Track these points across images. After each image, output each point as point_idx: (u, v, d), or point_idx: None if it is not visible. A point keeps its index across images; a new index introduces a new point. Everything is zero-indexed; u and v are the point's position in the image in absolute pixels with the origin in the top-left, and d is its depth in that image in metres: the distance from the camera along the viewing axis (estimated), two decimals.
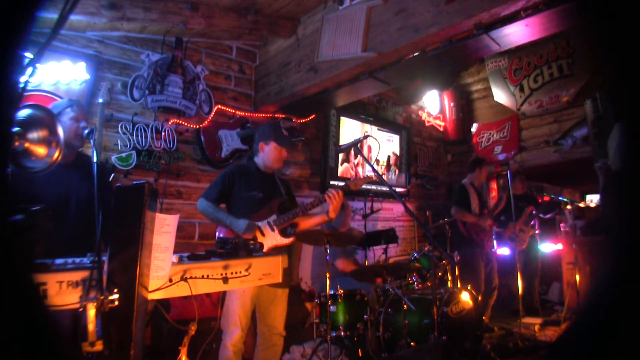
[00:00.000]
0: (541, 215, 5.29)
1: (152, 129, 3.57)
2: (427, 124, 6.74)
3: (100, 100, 3.28)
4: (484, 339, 3.26)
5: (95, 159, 1.58)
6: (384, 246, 4.40)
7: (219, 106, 4.07)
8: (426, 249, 3.79)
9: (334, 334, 2.79)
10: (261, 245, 2.35)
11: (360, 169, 5.45)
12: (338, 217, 3.71)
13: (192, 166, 3.89)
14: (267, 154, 2.69)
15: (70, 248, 1.91)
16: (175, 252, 1.62)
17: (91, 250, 1.41)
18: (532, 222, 5.02)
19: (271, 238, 2.52)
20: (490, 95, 6.42)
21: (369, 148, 5.69)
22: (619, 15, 0.60)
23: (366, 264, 4.43)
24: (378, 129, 5.76)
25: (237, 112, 4.22)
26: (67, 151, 2.19)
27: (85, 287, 1.33)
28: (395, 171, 6.01)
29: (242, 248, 1.89)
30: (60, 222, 2.06)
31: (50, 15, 1.50)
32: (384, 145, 5.85)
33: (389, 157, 5.93)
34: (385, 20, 3.16)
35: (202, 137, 3.89)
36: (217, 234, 2.61)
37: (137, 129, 3.50)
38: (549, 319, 4.53)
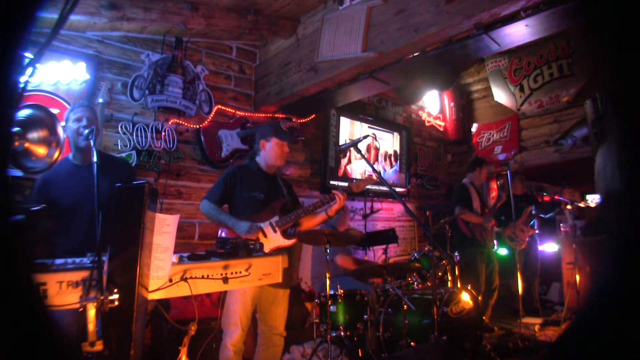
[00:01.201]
0: (541, 215, 5.29)
1: (152, 129, 3.57)
2: (427, 124, 6.74)
3: (100, 100, 3.28)
4: (484, 339, 3.25)
5: (95, 159, 1.58)
6: (384, 246, 4.40)
7: (219, 106, 4.07)
8: (426, 249, 3.79)
9: (334, 334, 2.79)
10: (261, 245, 2.35)
11: (350, 168, 5.43)
12: (337, 216, 3.72)
13: (192, 166, 3.89)
14: (269, 151, 2.68)
15: (86, 246, 1.92)
16: (175, 252, 1.62)
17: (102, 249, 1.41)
18: (531, 222, 5.02)
19: (273, 239, 2.51)
20: (490, 95, 6.42)
21: (375, 151, 5.69)
22: (619, 15, 0.60)
23: (365, 258, 4.44)
24: (369, 127, 5.72)
25: (237, 112, 4.22)
26: (80, 153, 2.23)
27: (85, 287, 1.33)
28: (386, 169, 5.96)
29: (242, 248, 1.89)
30: (78, 221, 2.12)
31: (50, 15, 1.50)
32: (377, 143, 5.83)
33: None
34: (385, 20, 3.16)
35: (202, 137, 3.89)
36: (219, 234, 2.61)
37: (137, 129, 3.50)
38: (549, 319, 4.53)
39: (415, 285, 3.54)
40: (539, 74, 5.72)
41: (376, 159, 5.73)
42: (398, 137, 6.11)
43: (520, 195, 5.00)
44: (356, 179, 2.71)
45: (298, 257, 4.36)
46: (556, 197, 4.87)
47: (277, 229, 2.53)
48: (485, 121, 6.58)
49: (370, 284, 3.61)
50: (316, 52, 3.65)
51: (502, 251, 4.83)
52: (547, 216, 5.42)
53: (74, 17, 3.05)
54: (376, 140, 5.71)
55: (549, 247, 5.65)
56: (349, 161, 5.37)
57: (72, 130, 2.21)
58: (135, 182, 1.48)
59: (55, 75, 3.14)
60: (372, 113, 5.80)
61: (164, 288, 1.53)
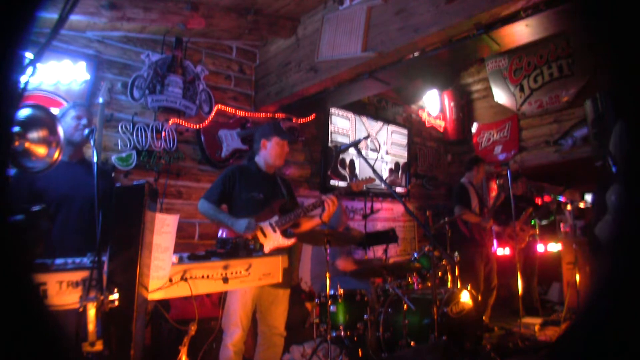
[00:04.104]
0: (537, 220, 5.30)
1: (152, 129, 3.57)
2: (427, 124, 6.74)
3: (100, 100, 3.28)
4: (484, 339, 3.26)
5: (95, 159, 1.58)
6: (384, 246, 4.40)
7: (219, 106, 4.07)
8: (426, 249, 3.79)
9: (334, 334, 2.79)
10: (261, 245, 2.35)
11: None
12: (334, 216, 3.72)
13: (192, 166, 3.89)
14: (269, 150, 2.68)
15: (73, 244, 1.92)
16: (175, 252, 1.62)
17: (91, 249, 1.41)
18: (532, 222, 5.02)
19: (273, 239, 2.51)
20: (490, 95, 6.41)
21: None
22: (619, 15, 0.60)
23: (365, 258, 4.44)
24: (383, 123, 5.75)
25: (237, 112, 4.22)
26: (71, 148, 2.22)
27: (85, 287, 1.33)
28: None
29: (242, 248, 1.89)
30: (66, 215, 2.12)
31: (50, 15, 1.50)
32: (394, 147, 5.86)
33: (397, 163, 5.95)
34: (385, 20, 3.16)
35: (202, 137, 3.89)
36: (219, 234, 2.61)
37: (137, 129, 3.50)
38: (549, 319, 4.53)
39: (415, 285, 3.54)
40: (539, 74, 5.72)
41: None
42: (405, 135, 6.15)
43: (520, 196, 5.00)
44: (356, 179, 2.70)
45: (298, 257, 4.36)
46: (556, 198, 4.87)
47: (276, 228, 2.53)
48: (485, 121, 6.58)
49: (370, 284, 3.61)
50: (316, 52, 3.65)
51: (502, 251, 4.82)
52: (542, 222, 5.41)
53: (74, 17, 3.04)
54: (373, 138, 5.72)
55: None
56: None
57: (69, 125, 2.21)
58: (136, 182, 1.48)
59: (55, 75, 3.14)
60: (372, 113, 5.79)
61: (164, 288, 1.53)
